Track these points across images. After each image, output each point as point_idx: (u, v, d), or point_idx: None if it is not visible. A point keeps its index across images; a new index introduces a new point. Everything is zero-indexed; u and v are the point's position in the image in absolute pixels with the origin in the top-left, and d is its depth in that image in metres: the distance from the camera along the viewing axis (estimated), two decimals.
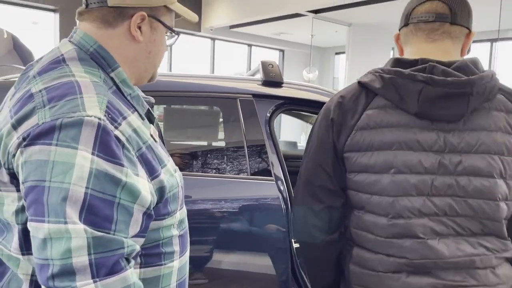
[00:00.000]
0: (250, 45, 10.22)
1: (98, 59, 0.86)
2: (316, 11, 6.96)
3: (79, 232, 0.70)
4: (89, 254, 0.70)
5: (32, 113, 0.74)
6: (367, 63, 7.72)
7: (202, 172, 1.85)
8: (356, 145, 1.05)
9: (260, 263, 1.75)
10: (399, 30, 1.14)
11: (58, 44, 0.90)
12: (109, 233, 0.72)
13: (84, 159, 0.71)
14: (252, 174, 1.78)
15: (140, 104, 0.91)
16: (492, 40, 8.70)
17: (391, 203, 1.03)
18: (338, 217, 1.13)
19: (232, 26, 8.64)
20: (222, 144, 1.98)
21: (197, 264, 1.66)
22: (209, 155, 1.91)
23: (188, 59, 9.23)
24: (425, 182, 1.01)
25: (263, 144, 1.81)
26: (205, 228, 1.70)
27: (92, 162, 0.72)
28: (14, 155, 0.74)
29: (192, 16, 0.98)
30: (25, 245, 0.78)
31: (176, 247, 0.93)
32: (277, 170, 1.78)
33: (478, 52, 9.20)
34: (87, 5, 0.87)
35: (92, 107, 0.75)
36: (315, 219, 1.13)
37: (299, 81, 1.90)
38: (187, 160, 1.89)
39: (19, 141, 0.73)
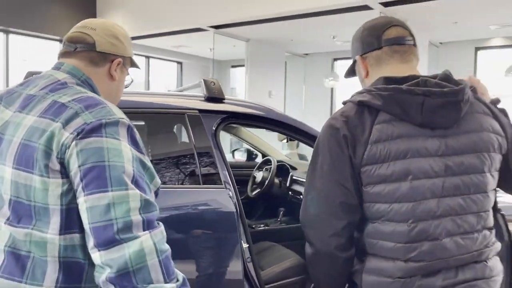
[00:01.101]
0: (148, 57, 10.15)
1: (88, 87, 1.11)
2: (216, 27, 7.25)
3: (136, 195, 0.93)
4: (140, 213, 0.92)
5: (75, 116, 0.96)
6: (264, 75, 8.26)
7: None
8: (373, 157, 1.09)
9: (217, 265, 1.93)
10: (364, 54, 1.23)
11: (48, 72, 1.11)
12: (149, 198, 0.96)
13: (126, 147, 0.96)
14: (203, 183, 1.95)
15: None
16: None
17: (411, 208, 1.08)
18: (353, 232, 1.16)
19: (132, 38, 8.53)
20: (174, 156, 2.11)
21: None
22: (163, 167, 2.03)
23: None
24: (437, 185, 1.09)
25: (212, 155, 1.99)
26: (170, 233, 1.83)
27: (131, 150, 0.97)
28: (68, 146, 0.93)
29: (139, 65, 1.35)
30: (65, 224, 0.95)
31: None
32: (226, 177, 1.98)
33: None
34: (75, 49, 1.13)
35: (119, 113, 1.01)
36: (335, 238, 1.14)
37: (199, 93, 2.14)
38: None
39: (73, 136, 0.93)
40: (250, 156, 3.75)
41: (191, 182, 2.00)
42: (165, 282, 0.91)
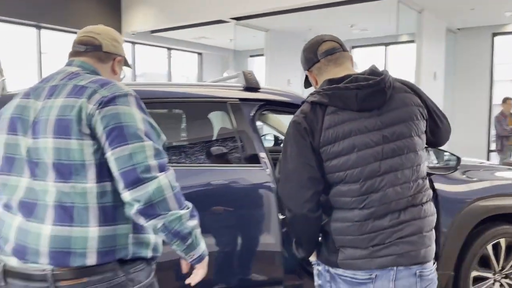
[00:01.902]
0: (169, 49, 10.46)
1: (95, 74, 1.36)
2: (237, 18, 7.49)
3: (149, 145, 1.20)
4: (155, 158, 1.19)
5: (94, 93, 1.22)
6: (283, 64, 8.48)
7: (209, 162, 2.28)
8: (327, 140, 1.45)
9: (258, 236, 2.22)
10: (309, 68, 1.60)
11: (61, 68, 1.37)
12: (160, 148, 1.23)
13: (136, 111, 1.23)
14: (245, 162, 2.24)
15: None
16: (386, 44, 10.03)
17: (360, 171, 1.44)
18: (319, 197, 1.51)
19: (153, 31, 8.83)
20: (219, 139, 2.40)
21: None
22: (209, 147, 2.33)
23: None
24: (378, 151, 1.45)
25: (251, 138, 2.27)
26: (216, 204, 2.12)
27: (140, 113, 1.24)
28: (93, 115, 1.20)
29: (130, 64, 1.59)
30: (100, 174, 1.20)
31: None
32: (263, 157, 2.26)
33: (375, 53, 10.49)
34: (85, 49, 1.40)
35: (126, 87, 1.28)
36: (307, 203, 1.47)
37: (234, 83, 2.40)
38: (195, 153, 2.29)
39: (96, 107, 1.20)
40: (277, 141, 4.01)
41: (234, 161, 2.29)
42: (180, 209, 1.19)
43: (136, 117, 1.21)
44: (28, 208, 1.22)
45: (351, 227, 1.46)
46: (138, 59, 9.88)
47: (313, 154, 1.46)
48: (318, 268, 1.60)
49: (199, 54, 11.37)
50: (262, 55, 9.34)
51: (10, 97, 2.02)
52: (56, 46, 8.04)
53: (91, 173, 1.19)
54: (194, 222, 1.24)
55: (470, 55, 8.67)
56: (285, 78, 8.57)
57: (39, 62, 7.58)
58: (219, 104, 2.35)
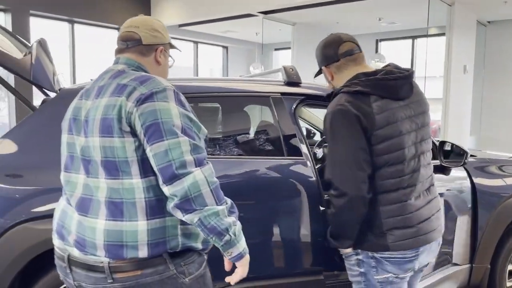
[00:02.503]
0: (196, 42, 10.57)
1: (141, 71, 1.39)
2: (265, 12, 7.53)
3: (185, 141, 1.21)
4: (191, 154, 1.20)
5: (134, 90, 1.25)
6: (310, 57, 8.46)
7: (251, 155, 2.37)
8: (378, 125, 1.58)
9: (303, 226, 2.29)
10: (327, 65, 1.76)
11: (109, 67, 1.42)
12: (197, 143, 1.24)
13: (173, 107, 1.24)
14: (288, 155, 2.31)
15: None
16: (414, 37, 9.91)
17: (403, 153, 1.60)
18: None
19: (181, 25, 8.94)
20: (262, 132, 2.48)
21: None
22: (253, 141, 2.41)
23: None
24: (413, 136, 1.64)
25: (293, 131, 2.34)
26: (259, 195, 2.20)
27: (178, 108, 1.24)
28: (131, 113, 1.23)
29: (178, 47, 1.59)
30: (143, 170, 1.24)
31: None
32: (305, 150, 2.33)
33: (402, 47, 10.37)
34: (127, 45, 1.42)
35: (165, 82, 1.29)
36: (364, 185, 1.57)
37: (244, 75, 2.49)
38: (239, 146, 2.38)
39: (134, 104, 1.23)
40: (309, 134, 4.07)
41: (276, 154, 2.36)
42: (217, 205, 1.19)
43: (173, 113, 1.22)
44: (85, 204, 1.28)
45: (400, 208, 1.59)
46: None
47: (364, 138, 1.56)
48: (357, 258, 1.67)
49: (225, 47, 11.45)
50: (287, 48, 9.36)
51: (67, 92, 2.16)
52: (88, 41, 8.23)
53: (135, 169, 1.23)
54: (232, 218, 1.23)
55: (501, 48, 8.50)
56: (312, 71, 8.56)
57: (72, 57, 7.78)
58: (262, 98, 2.42)
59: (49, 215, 1.85)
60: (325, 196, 1.97)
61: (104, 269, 1.22)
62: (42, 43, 2.23)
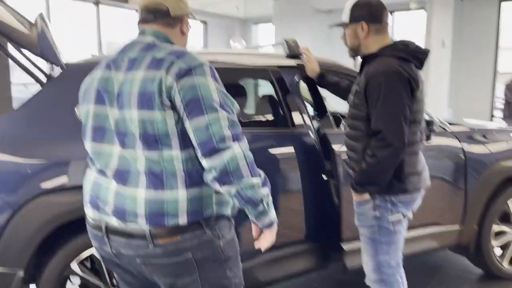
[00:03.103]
0: None
1: (168, 42, 1.39)
2: None
3: (224, 116, 1.24)
4: (229, 128, 1.24)
5: (172, 64, 1.26)
6: (292, 32, 8.51)
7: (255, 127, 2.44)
8: (419, 87, 1.81)
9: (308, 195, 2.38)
10: (369, 23, 1.84)
11: (136, 39, 1.40)
12: (234, 118, 1.27)
13: (211, 82, 1.26)
14: (292, 126, 2.39)
15: None
16: (392, 11, 10.02)
17: (422, 114, 1.87)
18: None
19: None
20: (268, 105, 2.55)
21: None
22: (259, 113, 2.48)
23: (117, 29, 9.24)
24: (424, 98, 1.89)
25: (296, 103, 2.42)
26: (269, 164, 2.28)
27: (215, 84, 1.27)
28: (172, 87, 1.24)
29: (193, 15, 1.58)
30: (183, 142, 1.26)
31: None
32: (307, 120, 2.41)
33: None
34: (154, 17, 1.40)
35: (201, 58, 1.30)
36: (406, 138, 1.76)
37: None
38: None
39: (174, 78, 1.24)
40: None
41: (281, 125, 2.44)
42: (253, 177, 1.24)
43: (211, 88, 1.25)
44: (123, 175, 1.30)
45: (415, 158, 1.87)
46: None
47: (410, 98, 1.77)
48: (375, 203, 1.86)
49: (204, 22, 11.30)
50: (266, 22, 9.34)
51: (74, 67, 2.17)
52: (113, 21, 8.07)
53: (175, 141, 1.26)
54: (266, 190, 1.29)
55: (477, 22, 8.72)
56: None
57: (98, 37, 7.65)
58: (263, 71, 2.48)
59: (63, 189, 1.93)
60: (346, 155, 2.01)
61: (145, 236, 1.26)
62: (43, 18, 2.21)
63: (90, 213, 1.39)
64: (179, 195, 1.26)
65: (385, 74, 1.76)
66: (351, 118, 1.91)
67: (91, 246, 1.86)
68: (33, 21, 2.19)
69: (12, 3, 2.17)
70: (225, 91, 1.30)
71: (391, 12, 9.95)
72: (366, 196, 1.86)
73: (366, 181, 1.84)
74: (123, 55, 1.36)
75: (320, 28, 10.43)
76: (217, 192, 1.30)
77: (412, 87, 1.77)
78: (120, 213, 1.29)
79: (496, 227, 2.89)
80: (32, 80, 2.16)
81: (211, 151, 1.21)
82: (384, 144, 1.75)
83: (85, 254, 2.01)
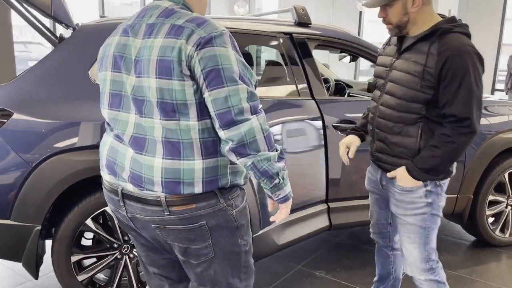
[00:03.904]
0: None
1: (186, 8, 1.36)
2: None
3: (243, 88, 1.23)
4: (248, 101, 1.23)
5: (192, 33, 1.22)
6: None
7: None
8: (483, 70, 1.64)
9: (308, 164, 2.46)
10: None
11: (153, 3, 1.35)
12: (253, 90, 1.26)
13: (231, 53, 1.24)
14: (299, 95, 2.44)
15: None
16: None
17: None
18: None
19: None
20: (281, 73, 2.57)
21: None
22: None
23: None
24: None
25: (306, 71, 2.45)
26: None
27: (235, 54, 1.25)
28: (192, 56, 1.21)
29: None
30: (200, 113, 1.25)
31: None
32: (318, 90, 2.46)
33: None
34: None
35: (221, 26, 1.28)
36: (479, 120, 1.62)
37: (229, 15, 2.52)
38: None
39: (194, 48, 1.21)
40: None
41: (292, 94, 2.49)
42: (269, 151, 1.25)
43: (232, 59, 1.23)
44: (140, 143, 1.31)
45: None
46: None
47: None
48: (427, 189, 1.71)
49: None
50: None
51: (86, 28, 2.18)
52: None
53: (193, 111, 1.25)
54: (282, 164, 1.29)
55: (483, 9, 8.58)
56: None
57: (142, 6, 7.45)
58: (272, 37, 2.50)
59: (76, 148, 1.99)
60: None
61: (161, 203, 1.28)
62: None
63: (106, 177, 1.41)
64: (196, 164, 1.27)
65: (469, 55, 1.57)
66: (404, 99, 1.67)
67: (105, 204, 1.96)
68: None
69: None
70: (244, 61, 1.28)
71: None
72: (420, 182, 1.71)
73: (436, 168, 1.66)
74: (141, 20, 1.33)
75: None
76: (232, 162, 1.32)
77: (483, 67, 1.62)
78: (136, 180, 1.31)
79: (490, 197, 3.00)
80: (29, 39, 2.17)
81: (229, 123, 1.22)
82: (468, 131, 1.59)
83: (99, 210, 2.09)
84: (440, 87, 1.59)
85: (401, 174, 1.71)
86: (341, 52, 3.18)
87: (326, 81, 3.61)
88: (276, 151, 1.28)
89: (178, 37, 1.23)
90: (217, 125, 1.24)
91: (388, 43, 1.87)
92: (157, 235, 1.37)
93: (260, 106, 1.28)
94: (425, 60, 1.60)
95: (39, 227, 1.98)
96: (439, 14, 1.69)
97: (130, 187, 1.33)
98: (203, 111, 1.26)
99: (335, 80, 3.66)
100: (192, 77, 1.23)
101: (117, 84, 1.33)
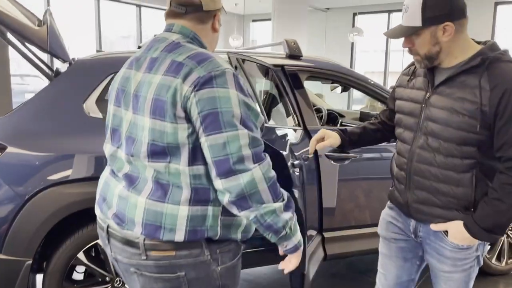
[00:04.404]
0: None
1: (196, 41, 1.29)
2: None
3: (244, 134, 1.13)
4: (249, 148, 1.13)
5: (191, 71, 1.14)
6: (290, 30, 8.56)
7: None
8: None
9: None
10: (453, 20, 1.34)
11: (162, 35, 1.29)
12: (255, 135, 1.16)
13: (233, 94, 1.14)
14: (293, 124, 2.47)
15: None
16: (389, 11, 10.12)
17: None
18: None
19: None
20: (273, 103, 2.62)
21: None
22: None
23: (114, 23, 9.26)
24: None
25: (297, 102, 2.49)
26: None
27: (238, 95, 1.15)
28: (188, 98, 1.13)
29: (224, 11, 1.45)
30: (193, 158, 1.17)
31: None
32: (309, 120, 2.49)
33: (378, 20, 10.56)
34: (186, 11, 1.27)
35: (225, 64, 1.18)
36: None
37: (224, 47, 2.53)
38: None
39: (192, 89, 1.12)
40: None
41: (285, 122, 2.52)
42: (274, 201, 1.15)
43: (233, 101, 1.13)
44: (131, 179, 1.25)
45: None
46: (145, 23, 9.83)
47: None
48: (479, 242, 1.48)
49: None
50: (265, 20, 9.40)
51: (82, 63, 2.23)
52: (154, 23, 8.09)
53: (185, 155, 1.17)
54: (289, 214, 1.19)
55: (473, 24, 8.79)
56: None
57: (139, 39, 7.64)
58: (264, 69, 2.56)
59: (69, 181, 2.00)
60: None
61: (139, 245, 1.20)
62: (51, 14, 2.26)
63: (98, 212, 1.37)
64: (180, 210, 1.18)
65: None
66: (453, 142, 1.40)
67: (97, 237, 1.94)
68: (41, 17, 2.25)
69: None
70: (250, 102, 1.19)
71: (389, 12, 10.03)
72: (476, 240, 1.44)
73: (502, 225, 1.41)
74: (147, 52, 1.27)
75: (318, 27, 10.53)
76: (226, 214, 1.22)
77: None
78: (119, 218, 1.25)
79: None
80: (26, 72, 2.21)
81: (227, 172, 1.12)
82: None
83: (91, 243, 2.08)
84: (495, 127, 1.34)
85: (456, 230, 1.43)
86: (332, 83, 3.24)
87: (319, 110, 3.67)
88: (283, 200, 1.18)
89: (175, 75, 1.16)
90: (213, 174, 1.14)
91: (412, 74, 1.57)
92: (136, 282, 1.26)
93: (263, 152, 1.18)
94: (478, 96, 1.34)
95: (30, 261, 1.96)
96: (473, 40, 1.45)
97: (114, 225, 1.27)
98: (196, 156, 1.17)
99: (328, 110, 3.71)
100: (188, 119, 1.15)
101: (117, 119, 1.30)
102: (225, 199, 1.14)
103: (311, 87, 5.14)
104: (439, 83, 1.43)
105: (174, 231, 1.17)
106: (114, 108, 1.30)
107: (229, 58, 2.45)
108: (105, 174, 1.37)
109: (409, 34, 1.39)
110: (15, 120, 2.07)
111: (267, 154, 1.19)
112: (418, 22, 1.36)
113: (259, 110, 1.23)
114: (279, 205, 1.16)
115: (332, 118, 3.71)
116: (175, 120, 1.15)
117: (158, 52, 1.24)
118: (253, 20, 11.93)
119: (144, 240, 1.19)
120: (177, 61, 1.18)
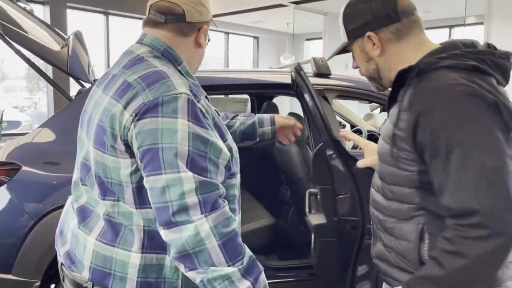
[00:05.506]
0: (227, 33, 10.61)
1: (168, 56, 1.10)
2: (296, 2, 7.48)
3: (189, 178, 0.92)
4: (197, 194, 0.92)
5: (136, 96, 0.96)
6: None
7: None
8: None
9: None
10: (376, 30, 1.11)
11: (131, 47, 1.13)
12: (207, 179, 0.94)
13: (183, 125, 0.93)
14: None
15: (200, 91, 1.13)
16: (450, 26, 9.61)
17: None
18: None
19: (212, 16, 9.00)
20: None
21: None
22: None
23: (126, 40, 9.46)
24: None
25: (325, 122, 2.33)
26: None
27: (189, 127, 0.94)
28: (129, 129, 0.95)
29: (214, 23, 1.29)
30: (138, 200, 0.99)
31: (236, 206, 1.12)
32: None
33: (438, 36, 10.07)
34: (165, 20, 1.10)
35: (181, 87, 0.98)
36: None
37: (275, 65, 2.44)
38: None
39: (132, 117, 0.94)
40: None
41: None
42: (227, 264, 0.91)
43: (179, 135, 0.93)
44: (85, 214, 1.10)
45: None
46: None
47: (509, 139, 0.95)
48: None
49: (255, 38, 11.44)
50: (318, 38, 9.27)
51: None
52: (123, 32, 8.34)
53: (129, 196, 1.00)
54: (247, 283, 0.93)
55: None
56: (343, 62, 8.44)
57: (106, 49, 7.95)
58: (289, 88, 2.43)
59: None
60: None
61: None
62: (78, 35, 2.30)
63: (56, 246, 1.22)
64: (131, 257, 1.02)
65: (455, 103, 0.94)
66: (386, 181, 1.12)
67: None
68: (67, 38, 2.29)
69: None
70: (207, 135, 0.97)
71: (450, 27, 9.56)
72: None
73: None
74: (112, 68, 1.11)
75: None
76: None
77: (505, 118, 0.94)
78: (70, 258, 1.11)
79: None
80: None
81: (167, 222, 0.92)
82: (483, 235, 0.90)
83: None
84: (426, 161, 0.99)
85: None
86: (370, 102, 3.03)
87: (358, 132, 3.47)
88: (241, 264, 0.93)
89: (119, 99, 0.98)
90: (157, 222, 0.95)
91: None
92: None
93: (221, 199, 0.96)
94: (395, 118, 1.04)
95: (39, 283, 1.94)
96: (456, 41, 1.09)
97: (65, 265, 1.13)
98: (142, 198, 0.99)
99: (368, 131, 3.48)
100: (132, 154, 0.97)
101: (80, 143, 1.15)
102: (171, 252, 0.96)
103: (360, 108, 4.92)
104: (387, 106, 1.17)
105: (125, 280, 1.02)
106: (79, 130, 1.16)
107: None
108: (68, 202, 1.23)
109: (339, 50, 1.23)
110: (34, 139, 2.10)
111: (225, 202, 0.96)
112: (345, 37, 1.20)
113: (221, 144, 1.01)
114: (233, 270, 0.92)
115: (373, 140, 3.47)
116: (115, 153, 0.98)
117: (119, 68, 1.07)
118: (307, 39, 11.83)
119: (92, 287, 1.05)
120: (128, 81, 1.01)
